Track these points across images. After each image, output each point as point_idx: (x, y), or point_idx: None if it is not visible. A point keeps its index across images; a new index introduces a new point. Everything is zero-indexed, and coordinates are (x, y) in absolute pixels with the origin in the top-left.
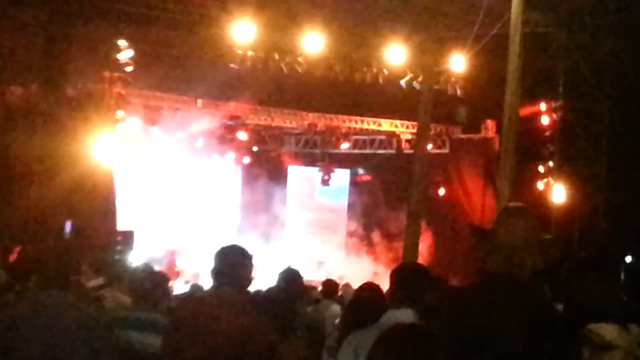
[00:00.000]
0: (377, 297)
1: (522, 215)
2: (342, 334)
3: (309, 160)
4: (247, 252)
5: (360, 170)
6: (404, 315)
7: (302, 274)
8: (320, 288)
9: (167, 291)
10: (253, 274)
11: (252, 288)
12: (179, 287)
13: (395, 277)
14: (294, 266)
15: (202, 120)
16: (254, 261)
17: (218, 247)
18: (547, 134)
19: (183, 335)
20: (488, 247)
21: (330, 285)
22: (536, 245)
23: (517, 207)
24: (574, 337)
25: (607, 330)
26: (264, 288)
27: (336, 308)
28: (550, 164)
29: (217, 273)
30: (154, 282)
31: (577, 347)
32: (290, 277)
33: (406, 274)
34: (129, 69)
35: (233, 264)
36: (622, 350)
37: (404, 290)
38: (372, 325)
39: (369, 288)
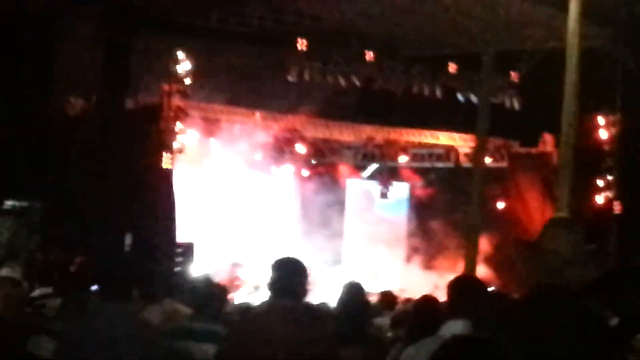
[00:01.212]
0: (435, 309)
1: (568, 226)
2: (404, 346)
3: (369, 174)
4: (302, 264)
5: (419, 184)
6: (462, 326)
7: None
8: (377, 299)
9: (226, 303)
10: (309, 285)
11: (314, 300)
12: (239, 299)
13: (452, 288)
14: (355, 279)
15: (261, 133)
16: (311, 273)
17: (274, 260)
18: (605, 147)
19: (240, 347)
20: (535, 259)
21: (388, 297)
22: (584, 257)
23: (564, 219)
24: (622, 348)
25: None
26: (325, 300)
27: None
28: (609, 177)
29: (273, 285)
30: (213, 294)
31: (623, 356)
32: (355, 290)
33: (463, 286)
34: (188, 81)
35: (289, 275)
36: None
37: (461, 302)
38: (431, 337)
39: (427, 300)
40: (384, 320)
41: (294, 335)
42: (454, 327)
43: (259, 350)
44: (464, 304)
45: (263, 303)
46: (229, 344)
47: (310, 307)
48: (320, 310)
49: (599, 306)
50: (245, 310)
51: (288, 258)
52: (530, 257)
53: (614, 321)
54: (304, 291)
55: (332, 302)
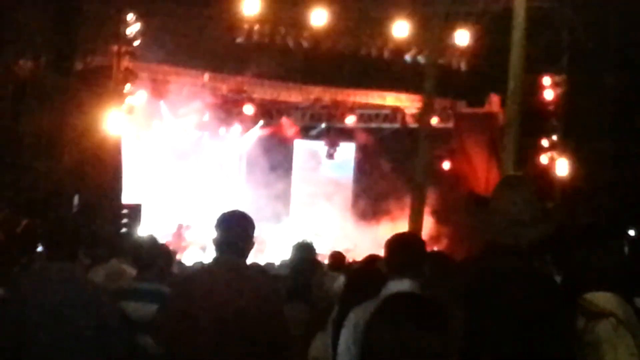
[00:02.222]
0: (378, 270)
1: (520, 185)
2: (342, 307)
3: (315, 134)
4: (247, 218)
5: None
6: (404, 286)
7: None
8: (327, 260)
9: (172, 263)
10: (254, 240)
11: (262, 261)
12: (186, 261)
13: (391, 246)
14: (304, 239)
15: (209, 94)
16: (258, 230)
17: (222, 214)
18: (550, 108)
19: (182, 304)
20: (486, 217)
21: (337, 258)
22: (535, 215)
23: (516, 177)
24: (571, 306)
25: (602, 298)
26: (273, 260)
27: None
28: (554, 138)
29: (218, 241)
30: (158, 254)
31: (572, 317)
32: (306, 250)
33: (402, 244)
34: (136, 42)
35: (233, 230)
36: (614, 318)
37: (401, 260)
38: (373, 299)
39: (371, 260)
40: (332, 280)
41: (237, 292)
42: (397, 287)
43: (202, 306)
44: (405, 262)
45: (210, 260)
46: (171, 301)
47: (255, 264)
48: (265, 268)
49: (546, 265)
50: (190, 268)
51: (233, 212)
52: (481, 216)
53: (558, 279)
54: (249, 246)
55: (278, 262)
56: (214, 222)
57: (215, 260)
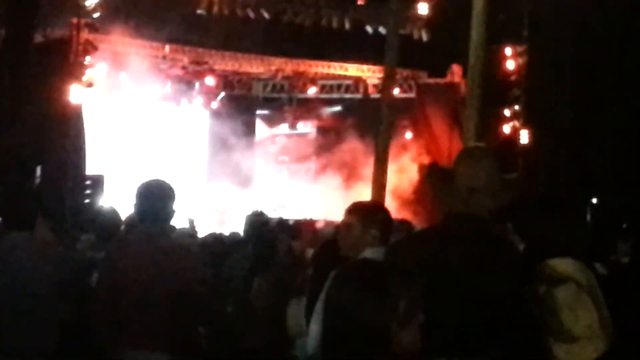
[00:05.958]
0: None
1: (481, 155)
2: (313, 275)
3: (277, 104)
4: (167, 187)
5: (328, 114)
6: (378, 254)
7: (270, 215)
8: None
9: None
10: (174, 209)
11: (225, 231)
12: None
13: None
14: (256, 209)
15: (170, 66)
16: (225, 204)
17: (140, 184)
18: (513, 78)
19: (110, 274)
20: (448, 188)
21: (301, 227)
22: (496, 185)
23: (477, 148)
24: (532, 272)
25: (563, 264)
26: (236, 230)
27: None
28: (517, 107)
29: (139, 211)
30: (117, 224)
31: (532, 282)
32: (259, 220)
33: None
34: (96, 15)
35: (152, 200)
36: (574, 283)
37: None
38: None
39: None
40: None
41: (156, 260)
42: (372, 256)
43: (126, 277)
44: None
45: (135, 230)
46: (102, 270)
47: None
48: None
49: (507, 233)
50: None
51: (152, 181)
52: (443, 186)
53: (520, 247)
54: (169, 215)
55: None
56: (135, 192)
57: (138, 230)
